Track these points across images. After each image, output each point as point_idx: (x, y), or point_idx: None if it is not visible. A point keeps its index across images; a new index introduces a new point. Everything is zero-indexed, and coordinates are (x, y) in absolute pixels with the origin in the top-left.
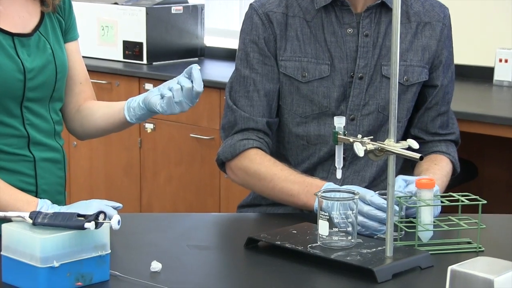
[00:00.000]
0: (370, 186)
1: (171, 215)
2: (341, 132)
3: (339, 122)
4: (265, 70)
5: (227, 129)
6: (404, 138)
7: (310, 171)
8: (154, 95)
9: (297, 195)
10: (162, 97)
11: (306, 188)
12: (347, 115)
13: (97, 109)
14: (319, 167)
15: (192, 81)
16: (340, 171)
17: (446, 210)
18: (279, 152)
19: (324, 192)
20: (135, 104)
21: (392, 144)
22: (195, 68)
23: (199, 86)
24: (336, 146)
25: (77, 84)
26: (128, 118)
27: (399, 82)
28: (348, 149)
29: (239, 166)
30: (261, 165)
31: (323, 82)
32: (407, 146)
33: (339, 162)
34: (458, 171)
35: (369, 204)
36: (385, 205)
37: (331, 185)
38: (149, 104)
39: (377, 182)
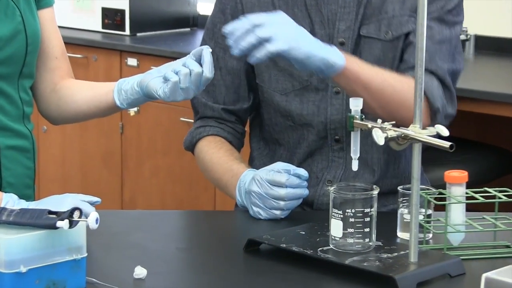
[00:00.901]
0: (381, 178)
1: (158, 213)
2: (357, 117)
3: (356, 104)
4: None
5: (193, 114)
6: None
7: (309, 160)
8: (154, 77)
9: (226, 187)
10: (166, 80)
11: (232, 178)
12: (330, 88)
13: (78, 90)
14: (316, 154)
15: (201, 65)
16: (357, 162)
17: (480, 208)
18: (272, 137)
19: (338, 186)
20: (128, 87)
21: (418, 131)
22: (206, 50)
23: (209, 72)
24: (352, 133)
25: (52, 59)
26: (118, 102)
27: (378, 39)
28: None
29: (196, 156)
30: (207, 154)
31: None
32: (435, 133)
33: (355, 151)
34: (437, 108)
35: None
36: (278, 179)
37: (251, 172)
38: (147, 88)
39: (390, 173)
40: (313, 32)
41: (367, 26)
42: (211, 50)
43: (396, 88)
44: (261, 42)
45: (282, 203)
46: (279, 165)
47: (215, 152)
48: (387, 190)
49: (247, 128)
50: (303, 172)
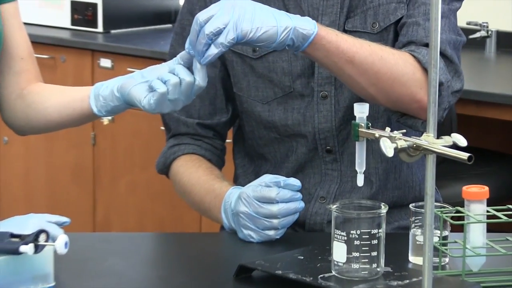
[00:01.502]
0: (381, 190)
1: (136, 235)
2: (363, 125)
3: (361, 110)
4: None
5: (165, 131)
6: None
7: (299, 175)
8: (137, 83)
9: (209, 210)
10: (151, 89)
11: (215, 199)
12: (316, 93)
13: (49, 95)
14: (307, 167)
15: (192, 72)
16: (362, 176)
17: (503, 229)
18: (257, 152)
19: (342, 203)
20: (107, 92)
21: (432, 140)
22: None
23: (202, 80)
24: (357, 143)
25: (17, 60)
26: (95, 110)
27: (365, 32)
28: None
29: (172, 180)
30: (184, 176)
31: (280, 55)
32: (451, 143)
33: (360, 164)
34: (441, 81)
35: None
36: (268, 195)
37: (236, 190)
38: (129, 95)
39: (390, 183)
40: None
41: (352, 20)
42: None
43: (387, 61)
44: (212, 38)
45: (275, 221)
46: (267, 178)
47: (193, 172)
48: (389, 203)
49: (231, 143)
50: (294, 182)
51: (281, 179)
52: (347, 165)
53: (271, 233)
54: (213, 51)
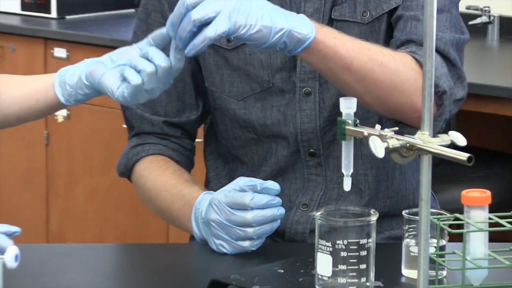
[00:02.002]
0: (371, 199)
1: (95, 247)
2: (350, 122)
3: (348, 106)
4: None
5: (127, 129)
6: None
7: (279, 179)
8: (109, 70)
9: (177, 219)
10: (124, 79)
11: (184, 206)
12: (298, 89)
13: (5, 87)
14: (288, 172)
15: (167, 54)
16: (349, 179)
17: (507, 238)
18: (232, 153)
19: (326, 210)
20: (74, 80)
21: (427, 139)
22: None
23: (181, 62)
24: (343, 142)
25: None
26: (62, 99)
27: (354, 22)
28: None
29: (134, 184)
30: (148, 179)
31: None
32: (449, 142)
33: (347, 166)
34: (440, 86)
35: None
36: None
37: (208, 196)
38: (99, 84)
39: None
40: None
41: (339, 7)
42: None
43: (387, 67)
44: (200, 26)
45: (250, 230)
46: (241, 181)
47: (159, 175)
48: (379, 214)
49: (201, 142)
50: (272, 185)
51: (257, 182)
52: (333, 170)
53: (246, 244)
54: (199, 41)
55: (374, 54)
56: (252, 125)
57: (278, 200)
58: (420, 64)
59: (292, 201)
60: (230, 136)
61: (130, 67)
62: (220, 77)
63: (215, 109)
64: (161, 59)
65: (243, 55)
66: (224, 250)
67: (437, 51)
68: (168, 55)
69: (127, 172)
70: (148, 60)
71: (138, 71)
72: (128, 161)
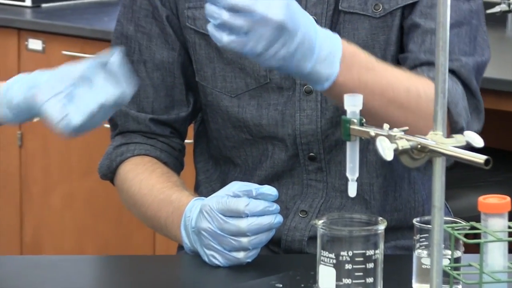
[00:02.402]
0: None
1: (74, 259)
2: (355, 121)
3: (353, 103)
4: (156, 28)
5: (110, 127)
6: None
7: (275, 184)
8: (51, 97)
9: (165, 227)
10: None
11: (173, 213)
12: (299, 87)
13: None
14: (285, 176)
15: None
16: (355, 184)
17: None
18: (223, 155)
19: (329, 218)
20: (17, 100)
21: (440, 140)
22: (115, 57)
23: (130, 88)
24: (348, 143)
25: None
26: (5, 119)
27: (365, 15)
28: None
29: (118, 188)
30: (133, 183)
31: None
32: (464, 143)
33: (352, 169)
34: (459, 123)
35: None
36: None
37: (199, 202)
38: (40, 111)
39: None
40: None
41: None
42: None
43: (408, 109)
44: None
45: (245, 240)
46: (235, 186)
47: (145, 178)
48: (393, 225)
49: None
50: (269, 190)
51: (253, 187)
52: (335, 176)
53: (241, 255)
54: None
55: (397, 94)
56: (246, 124)
57: (275, 207)
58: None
59: (289, 208)
60: (222, 136)
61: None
62: (212, 71)
63: (206, 106)
64: (107, 91)
65: None
66: (217, 262)
67: (460, 78)
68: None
69: (110, 174)
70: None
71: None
72: (111, 162)
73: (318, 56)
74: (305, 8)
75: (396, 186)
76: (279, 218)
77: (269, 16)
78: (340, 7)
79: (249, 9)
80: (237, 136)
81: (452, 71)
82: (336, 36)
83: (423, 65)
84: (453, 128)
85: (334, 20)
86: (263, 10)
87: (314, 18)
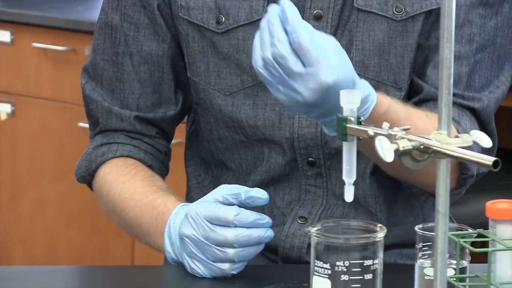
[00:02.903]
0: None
1: (46, 270)
2: (352, 119)
3: (350, 100)
4: (145, 18)
5: (90, 125)
6: None
7: (270, 189)
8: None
9: (148, 234)
10: None
11: (156, 219)
12: None
13: None
14: (282, 181)
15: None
16: (352, 188)
17: None
18: (216, 158)
19: (324, 225)
20: None
21: (445, 139)
22: None
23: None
24: (345, 143)
25: None
26: None
27: (384, 16)
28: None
29: (96, 191)
30: (114, 186)
31: (254, 31)
32: (470, 143)
33: (349, 172)
34: (471, 170)
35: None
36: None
37: (185, 208)
38: None
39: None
40: (269, 2)
41: None
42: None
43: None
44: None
45: (231, 251)
46: (224, 189)
47: (127, 181)
48: (392, 242)
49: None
50: (259, 193)
51: (242, 190)
52: (335, 183)
53: (225, 266)
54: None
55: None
56: (240, 125)
57: (267, 220)
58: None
59: (286, 215)
60: (214, 138)
61: None
62: (205, 66)
63: (197, 105)
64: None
65: (235, 40)
66: (199, 272)
67: (478, 117)
68: None
69: (88, 176)
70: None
71: None
72: (91, 163)
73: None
74: (311, 1)
75: (404, 198)
76: (269, 232)
77: (321, 75)
78: (355, 4)
79: (308, 54)
80: (231, 138)
81: (471, 109)
82: (372, 91)
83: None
84: (463, 175)
85: (344, 16)
86: (320, 68)
87: (319, 13)
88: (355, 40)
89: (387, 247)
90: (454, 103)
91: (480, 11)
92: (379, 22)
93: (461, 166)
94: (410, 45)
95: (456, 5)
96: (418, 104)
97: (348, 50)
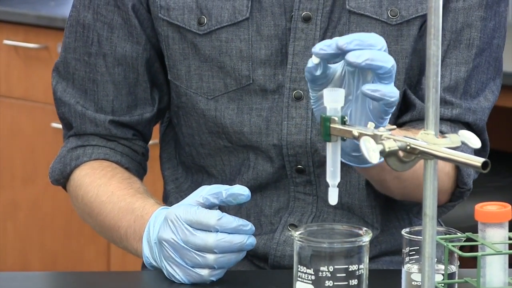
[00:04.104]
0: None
1: (18, 276)
2: (336, 119)
3: (334, 99)
4: (118, 18)
5: (63, 126)
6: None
7: (257, 195)
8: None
9: (126, 238)
10: None
11: (135, 222)
12: (287, 91)
13: None
14: (270, 188)
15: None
16: (336, 190)
17: None
18: (197, 163)
19: (307, 229)
20: None
21: (432, 140)
22: None
23: None
24: (328, 144)
25: None
26: None
27: (378, 20)
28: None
29: (72, 194)
30: (90, 189)
31: (238, 32)
32: (458, 144)
33: (332, 174)
34: (468, 184)
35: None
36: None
37: (164, 211)
38: None
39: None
40: (254, 2)
41: None
42: None
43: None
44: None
45: (210, 257)
46: (205, 190)
47: (104, 184)
48: (389, 248)
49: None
50: (241, 190)
51: (222, 188)
52: (325, 191)
53: (204, 272)
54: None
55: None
56: (225, 130)
57: (250, 226)
58: (459, 170)
59: (274, 223)
60: (196, 143)
61: None
62: (186, 69)
63: (178, 108)
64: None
65: (217, 42)
66: (177, 277)
67: (472, 129)
68: None
69: (63, 180)
70: None
71: None
72: (65, 166)
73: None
74: (299, 3)
75: (399, 207)
76: (251, 240)
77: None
78: (347, 6)
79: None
80: (214, 143)
81: (465, 122)
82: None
83: (444, 123)
84: (460, 189)
85: (333, 18)
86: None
87: (308, 15)
88: None
89: (379, 256)
90: (449, 119)
91: (481, 13)
92: (372, 26)
93: (457, 180)
94: (405, 50)
95: (454, 10)
96: (410, 123)
97: None
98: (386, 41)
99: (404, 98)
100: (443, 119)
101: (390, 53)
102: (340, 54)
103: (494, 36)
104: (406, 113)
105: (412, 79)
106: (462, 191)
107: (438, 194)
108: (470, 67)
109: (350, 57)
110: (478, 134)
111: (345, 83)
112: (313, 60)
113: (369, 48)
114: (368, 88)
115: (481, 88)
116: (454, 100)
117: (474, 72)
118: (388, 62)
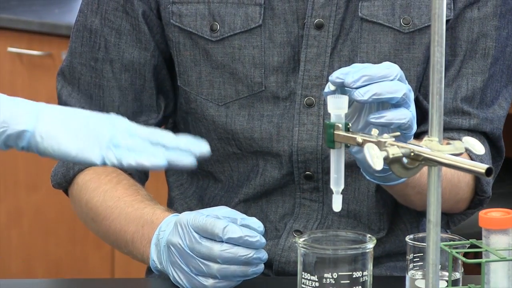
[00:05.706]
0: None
1: (22, 284)
2: (340, 126)
3: (338, 106)
4: (127, 24)
5: None
6: None
7: (262, 201)
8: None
9: (132, 242)
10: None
11: (143, 228)
12: (299, 98)
13: None
14: (275, 193)
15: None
16: (340, 197)
17: None
18: (204, 169)
19: (311, 236)
20: None
21: (436, 147)
22: None
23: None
24: (332, 151)
25: None
26: None
27: (390, 28)
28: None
29: (74, 199)
30: (95, 194)
31: (251, 39)
32: (462, 151)
33: (336, 180)
34: (487, 192)
35: (221, 241)
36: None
37: (174, 219)
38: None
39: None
40: (269, 6)
41: (369, 4)
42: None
43: (453, 184)
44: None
45: (214, 266)
46: (221, 211)
47: (110, 189)
48: (394, 250)
49: None
50: (256, 224)
51: (239, 216)
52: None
53: (208, 282)
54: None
55: (450, 177)
56: (235, 137)
57: (258, 239)
58: (479, 180)
59: (279, 229)
60: None
61: None
62: (197, 75)
63: (187, 114)
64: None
65: (230, 49)
66: (181, 284)
67: (489, 137)
68: None
69: (65, 183)
70: None
71: None
72: (68, 170)
73: None
74: (312, 10)
75: (405, 212)
76: (260, 254)
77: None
78: (360, 14)
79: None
80: (222, 149)
81: (481, 131)
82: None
83: (455, 113)
84: (479, 196)
85: (345, 25)
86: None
87: (321, 22)
88: (360, 51)
89: (382, 256)
90: (467, 129)
91: (495, 22)
92: (385, 34)
93: (477, 188)
94: (417, 58)
95: (470, 20)
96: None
97: (351, 60)
98: (398, 49)
99: (419, 106)
100: (461, 129)
101: (402, 61)
102: None
103: (507, 44)
104: (424, 123)
105: (426, 88)
106: (481, 198)
107: (458, 202)
108: (486, 77)
109: (356, 95)
110: (495, 142)
111: (366, 107)
112: (330, 87)
113: (380, 80)
114: (372, 117)
115: (496, 96)
116: (471, 110)
117: (489, 81)
118: (398, 91)
